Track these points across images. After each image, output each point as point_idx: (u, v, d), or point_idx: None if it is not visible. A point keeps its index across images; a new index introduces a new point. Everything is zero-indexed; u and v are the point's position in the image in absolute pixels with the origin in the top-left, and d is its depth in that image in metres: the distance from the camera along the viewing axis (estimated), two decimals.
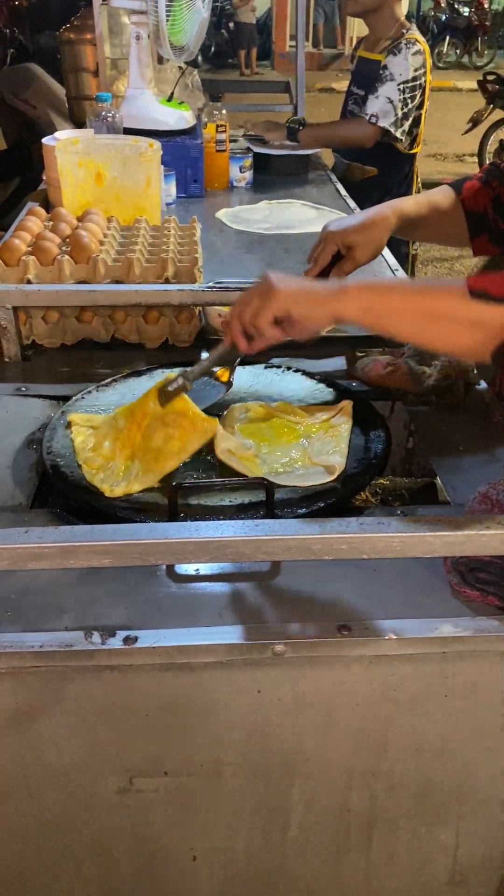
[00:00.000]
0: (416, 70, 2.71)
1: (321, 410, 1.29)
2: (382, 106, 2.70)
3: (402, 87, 2.69)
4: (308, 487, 1.11)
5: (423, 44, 2.76)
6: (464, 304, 0.98)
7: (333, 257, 1.33)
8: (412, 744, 0.98)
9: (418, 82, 2.73)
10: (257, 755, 0.97)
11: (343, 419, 1.26)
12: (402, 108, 2.71)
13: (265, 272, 1.10)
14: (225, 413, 1.27)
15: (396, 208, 1.32)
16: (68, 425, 1.25)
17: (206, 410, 1.18)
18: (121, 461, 1.15)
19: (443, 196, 1.36)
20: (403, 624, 0.91)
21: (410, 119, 2.77)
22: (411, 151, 2.85)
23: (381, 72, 2.72)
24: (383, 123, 2.72)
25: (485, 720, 0.96)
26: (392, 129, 2.73)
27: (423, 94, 2.78)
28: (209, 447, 1.16)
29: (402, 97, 2.70)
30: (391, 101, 2.69)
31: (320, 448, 1.20)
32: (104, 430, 1.22)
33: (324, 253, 1.32)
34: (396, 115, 2.71)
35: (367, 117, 2.72)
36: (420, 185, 3.00)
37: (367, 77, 2.84)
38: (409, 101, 2.72)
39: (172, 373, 1.23)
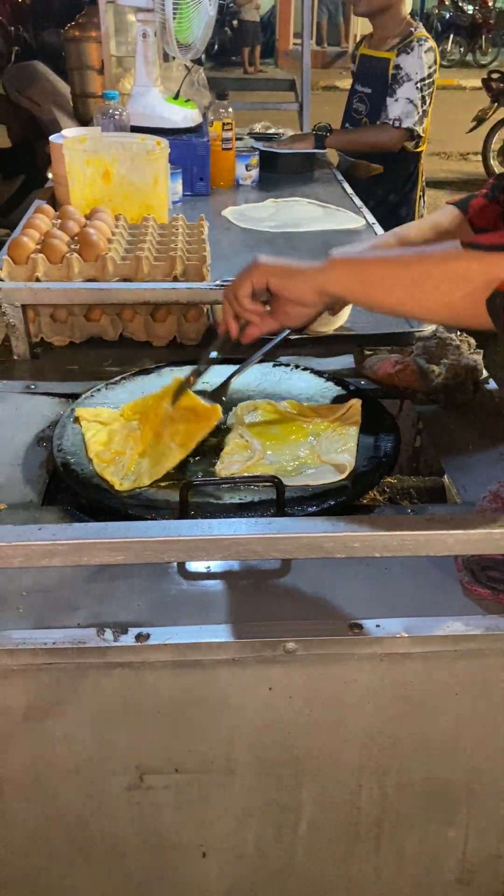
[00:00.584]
0: (429, 67, 2.73)
1: (329, 410, 1.29)
2: (404, 107, 2.72)
3: (419, 85, 2.71)
4: (318, 486, 1.11)
5: (431, 40, 2.77)
6: (446, 262, 0.96)
7: None
8: (422, 742, 0.98)
9: (432, 79, 2.75)
10: (268, 752, 0.97)
11: (352, 417, 1.26)
12: (422, 106, 2.74)
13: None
14: (233, 411, 1.28)
15: (401, 236, 1.31)
16: (76, 420, 1.25)
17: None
18: (131, 457, 1.15)
19: (448, 217, 1.34)
20: (414, 622, 0.91)
21: (428, 116, 2.78)
22: (417, 150, 2.85)
23: (395, 72, 2.73)
24: (408, 124, 2.74)
25: (495, 719, 0.97)
26: (416, 128, 2.76)
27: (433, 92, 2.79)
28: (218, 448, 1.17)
29: (420, 95, 2.72)
30: (412, 101, 2.72)
31: (328, 447, 1.20)
32: (115, 427, 1.23)
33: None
34: (418, 113, 2.74)
35: (391, 122, 2.74)
36: (424, 183, 3.00)
37: (374, 75, 2.84)
38: (426, 98, 2.74)
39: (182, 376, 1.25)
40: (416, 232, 1.33)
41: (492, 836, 1.08)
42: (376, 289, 1.04)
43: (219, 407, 1.19)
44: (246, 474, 1.12)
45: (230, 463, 1.15)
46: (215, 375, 1.25)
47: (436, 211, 1.38)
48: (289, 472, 1.15)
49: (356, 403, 1.29)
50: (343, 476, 1.13)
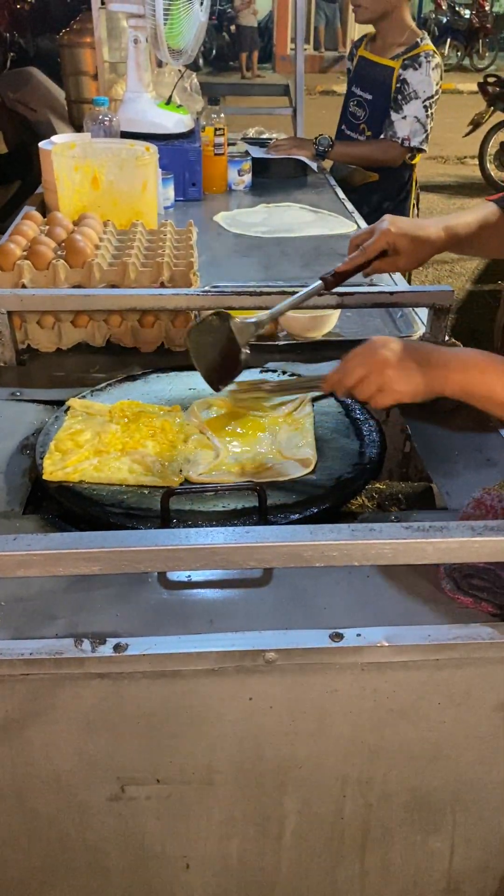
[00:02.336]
0: (437, 84, 2.72)
1: (282, 404, 1.31)
2: (412, 126, 2.73)
3: (427, 103, 2.71)
4: (300, 492, 1.11)
5: (438, 54, 2.76)
6: None
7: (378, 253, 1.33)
8: (406, 751, 0.97)
9: (438, 95, 2.75)
10: (250, 763, 0.96)
11: (305, 410, 1.29)
12: (429, 124, 2.74)
13: (372, 340, 1.10)
14: (189, 409, 1.30)
15: (449, 228, 1.34)
16: (67, 410, 1.28)
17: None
18: (84, 454, 1.16)
19: (489, 212, 1.38)
20: (396, 631, 0.90)
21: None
22: (413, 161, 2.85)
23: (400, 86, 2.71)
24: (415, 143, 2.75)
25: (478, 727, 0.96)
26: (423, 146, 2.77)
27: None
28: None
29: (427, 113, 2.72)
30: (419, 121, 2.72)
31: (287, 442, 1.22)
32: (95, 422, 1.25)
33: (373, 246, 1.32)
34: (426, 131, 2.74)
35: (400, 140, 2.74)
36: (418, 190, 3.00)
37: (376, 81, 2.82)
38: (433, 115, 2.74)
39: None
40: (465, 227, 1.35)
41: (478, 846, 1.07)
42: (488, 403, 1.08)
43: (178, 406, 1.29)
44: (226, 482, 1.12)
45: (195, 463, 1.16)
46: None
47: (476, 207, 1.40)
48: (255, 468, 1.16)
49: (307, 396, 1.31)
50: (309, 470, 1.15)
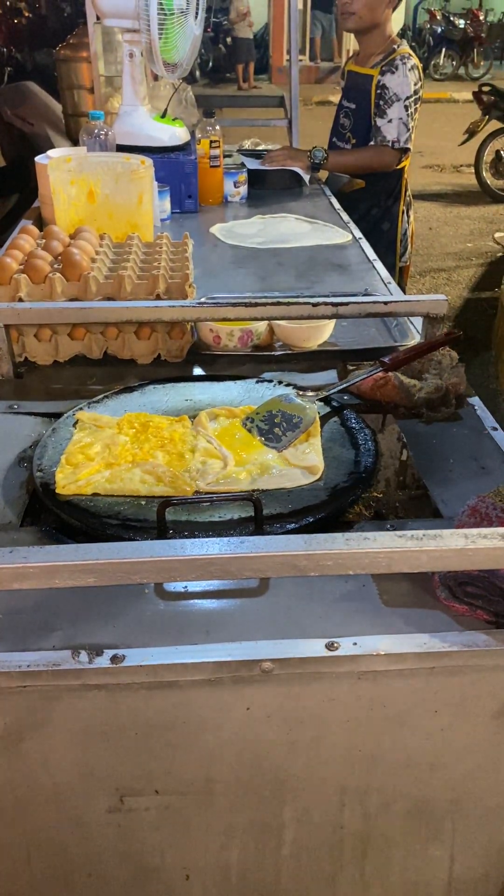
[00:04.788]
0: (415, 84, 2.75)
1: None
2: (398, 128, 2.76)
3: (407, 104, 2.74)
4: (297, 501, 1.12)
5: (415, 57, 2.79)
6: None
7: None
8: (403, 759, 0.97)
9: (418, 95, 2.77)
10: (248, 772, 0.96)
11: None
12: (412, 123, 2.77)
13: None
14: (196, 418, 1.30)
15: None
16: (75, 423, 1.29)
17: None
18: (96, 467, 1.17)
19: None
20: (392, 639, 0.91)
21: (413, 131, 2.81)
22: (399, 166, 2.86)
23: (380, 91, 2.74)
24: (405, 144, 2.78)
25: (475, 735, 0.96)
26: (408, 145, 2.79)
27: (418, 108, 2.81)
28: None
29: (408, 113, 2.75)
30: (403, 122, 2.75)
31: (294, 450, 1.23)
32: (104, 435, 1.25)
33: None
34: (409, 131, 2.77)
35: (389, 144, 2.77)
36: (410, 196, 3.01)
37: (358, 91, 2.86)
38: (413, 114, 2.77)
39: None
40: None
41: (478, 854, 1.07)
42: None
43: (185, 417, 1.30)
44: (225, 490, 1.13)
45: (204, 472, 1.16)
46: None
47: None
48: (261, 475, 1.17)
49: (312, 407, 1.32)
50: (316, 477, 1.16)
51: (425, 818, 1.03)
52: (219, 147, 2.66)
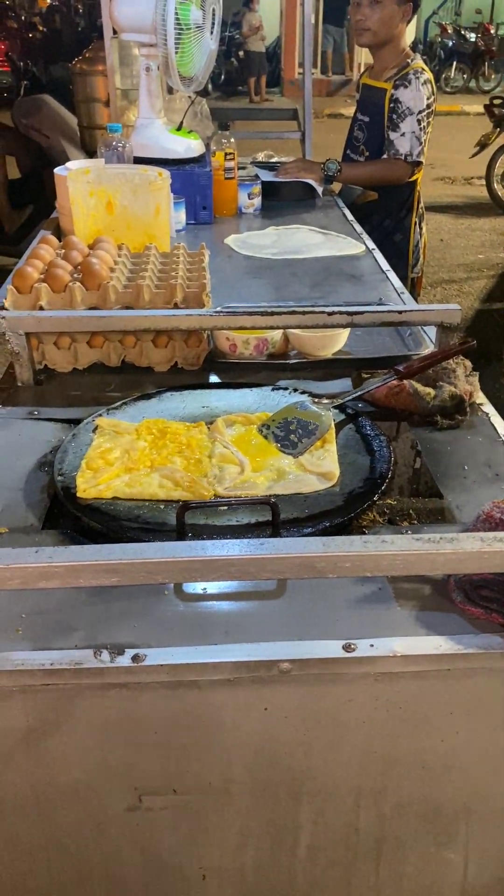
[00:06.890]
0: (428, 98, 2.78)
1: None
2: (411, 142, 2.78)
3: (420, 117, 2.76)
4: (313, 506, 1.13)
5: (428, 71, 2.82)
6: None
7: None
8: (419, 761, 0.98)
9: (431, 109, 2.80)
10: (265, 773, 0.98)
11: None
12: (424, 137, 2.80)
13: None
14: (213, 424, 1.33)
15: None
16: (95, 429, 1.31)
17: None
18: (115, 471, 1.19)
19: None
20: (408, 641, 0.92)
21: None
22: (412, 179, 2.89)
23: (394, 105, 2.77)
24: (418, 158, 2.81)
25: (491, 737, 0.97)
26: (420, 158, 2.82)
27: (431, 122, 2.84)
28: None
29: (421, 126, 2.78)
30: (415, 135, 2.77)
31: (310, 458, 1.24)
32: (124, 440, 1.27)
33: None
34: (422, 145, 2.80)
35: (403, 157, 2.80)
36: (423, 209, 3.03)
37: (372, 104, 2.89)
38: (426, 127, 2.80)
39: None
40: None
41: (493, 858, 1.08)
42: None
43: (202, 423, 1.33)
44: (242, 495, 1.15)
45: (221, 478, 1.18)
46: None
47: None
48: (278, 481, 1.19)
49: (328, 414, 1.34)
50: (332, 483, 1.17)
51: (440, 821, 1.03)
52: (233, 159, 2.69)
